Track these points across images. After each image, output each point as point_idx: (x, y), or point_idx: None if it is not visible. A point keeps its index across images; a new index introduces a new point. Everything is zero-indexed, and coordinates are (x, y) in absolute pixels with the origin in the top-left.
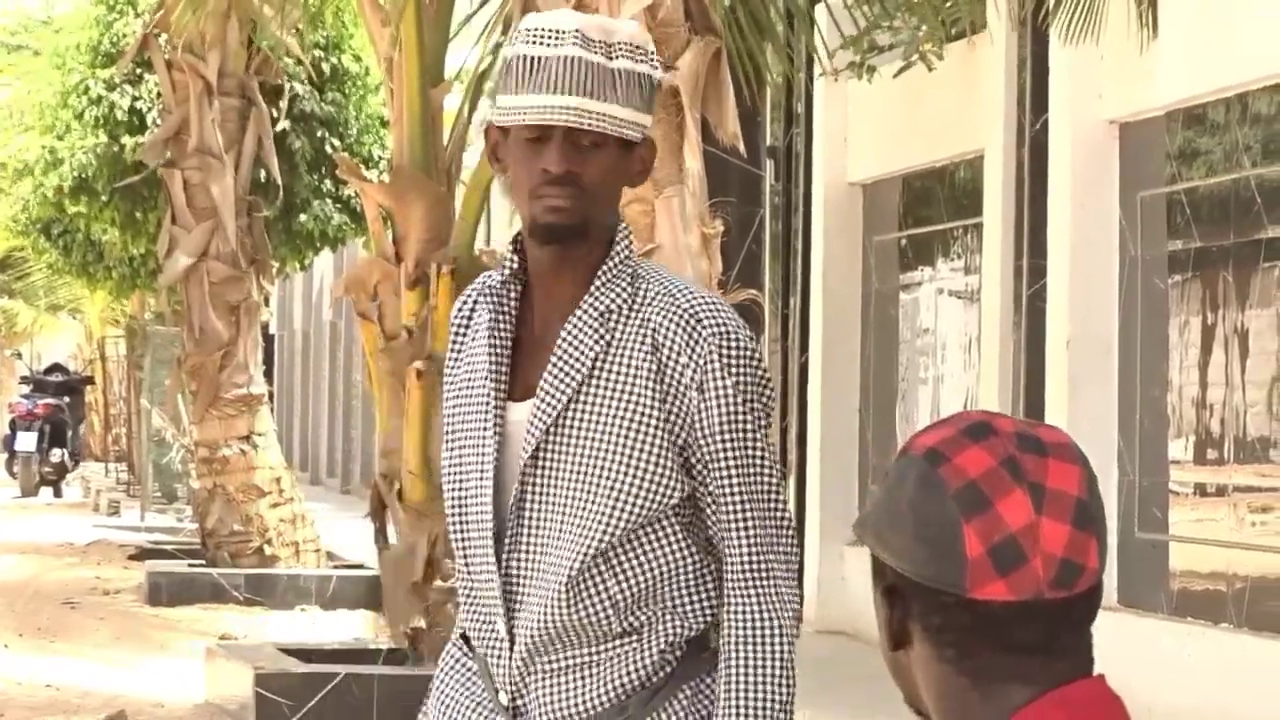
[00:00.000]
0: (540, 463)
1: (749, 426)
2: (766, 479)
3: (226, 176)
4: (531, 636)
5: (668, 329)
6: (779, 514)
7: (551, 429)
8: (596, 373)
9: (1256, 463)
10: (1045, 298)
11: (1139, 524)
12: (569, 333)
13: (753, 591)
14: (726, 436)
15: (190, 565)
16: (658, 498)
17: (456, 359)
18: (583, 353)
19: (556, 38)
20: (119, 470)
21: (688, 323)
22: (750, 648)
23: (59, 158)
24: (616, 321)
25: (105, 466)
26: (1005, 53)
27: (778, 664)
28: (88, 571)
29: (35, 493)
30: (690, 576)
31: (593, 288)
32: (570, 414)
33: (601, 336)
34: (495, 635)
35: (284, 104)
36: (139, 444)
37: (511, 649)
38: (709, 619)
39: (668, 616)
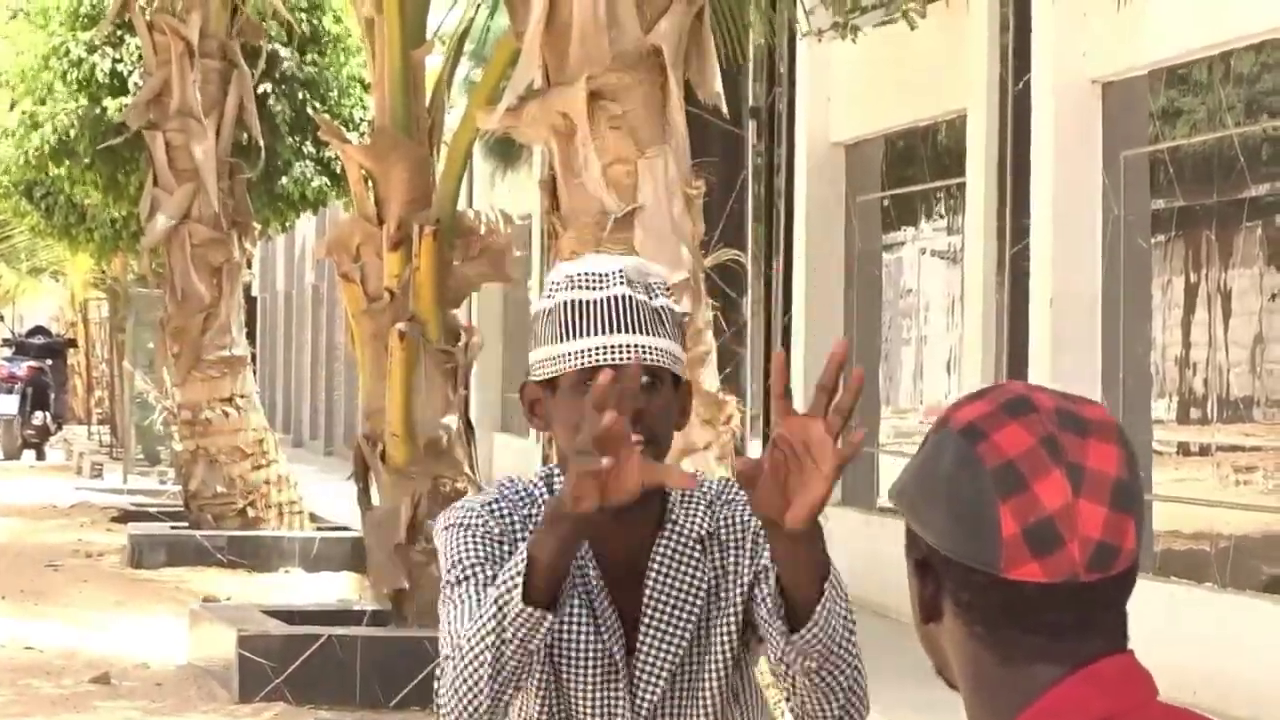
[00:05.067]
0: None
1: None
2: None
3: (208, 138)
4: None
5: (727, 532)
6: None
7: (677, 671)
8: (711, 607)
9: (1239, 422)
10: (1028, 257)
11: None
12: (664, 562)
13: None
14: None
15: (173, 527)
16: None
17: None
18: (693, 585)
19: (602, 280)
20: (102, 433)
21: (736, 514)
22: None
23: (37, 121)
24: (711, 547)
25: (88, 429)
26: (988, 12)
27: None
28: (71, 534)
29: (18, 455)
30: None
31: (673, 513)
32: (693, 652)
33: (708, 565)
34: None
35: (262, 65)
36: (122, 406)
37: None
38: None
39: None
